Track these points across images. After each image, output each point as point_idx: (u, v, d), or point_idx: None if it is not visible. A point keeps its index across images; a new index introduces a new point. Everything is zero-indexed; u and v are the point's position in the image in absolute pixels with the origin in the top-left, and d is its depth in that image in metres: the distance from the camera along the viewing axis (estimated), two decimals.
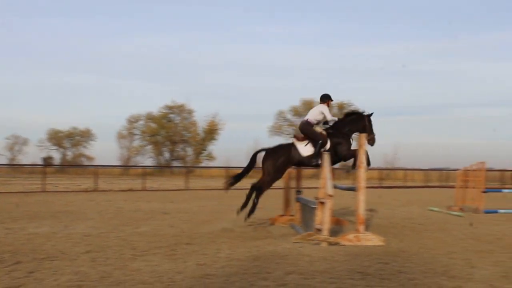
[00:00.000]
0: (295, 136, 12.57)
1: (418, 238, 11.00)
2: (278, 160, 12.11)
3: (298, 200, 13.20)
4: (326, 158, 10.85)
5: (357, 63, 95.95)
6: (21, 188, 30.46)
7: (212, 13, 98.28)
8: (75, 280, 6.71)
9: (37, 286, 6.40)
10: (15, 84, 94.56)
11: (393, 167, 57.59)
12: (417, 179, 48.90)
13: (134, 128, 69.68)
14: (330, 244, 9.81)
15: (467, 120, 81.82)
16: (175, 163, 67.48)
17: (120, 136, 70.70)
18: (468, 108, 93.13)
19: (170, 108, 68.53)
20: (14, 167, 59.84)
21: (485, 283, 6.82)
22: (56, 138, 73.82)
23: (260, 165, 12.40)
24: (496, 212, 16.95)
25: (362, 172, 10.34)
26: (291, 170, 13.89)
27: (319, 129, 12.36)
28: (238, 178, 12.49)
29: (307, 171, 31.43)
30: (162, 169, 61.64)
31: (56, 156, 74.28)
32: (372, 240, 10.07)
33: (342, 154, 12.18)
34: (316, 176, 21.38)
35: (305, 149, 12.19)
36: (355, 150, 11.60)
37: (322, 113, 12.39)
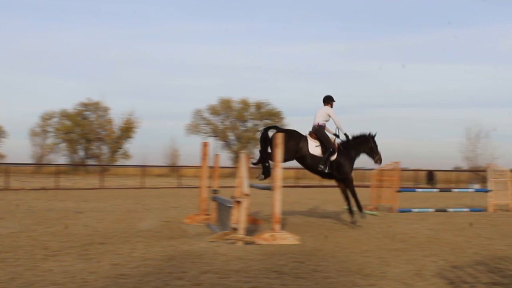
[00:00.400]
0: (309, 133, 12.82)
1: (333, 237, 11.17)
2: (288, 142, 11.91)
3: (214, 199, 13.21)
4: (243, 157, 10.93)
5: (275, 62, 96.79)
6: None
7: (128, 10, 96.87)
8: None
9: None
10: None
11: None
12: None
13: (47, 125, 67.77)
14: (246, 243, 9.87)
15: (383, 120, 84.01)
16: (90, 162, 66.13)
17: (33, 134, 68.67)
18: (383, 108, 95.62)
19: (85, 105, 67.01)
20: None
21: (398, 281, 7.00)
22: None
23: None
24: (409, 211, 17.45)
25: (278, 171, 10.46)
26: (207, 169, 13.89)
27: (332, 137, 12.88)
28: (265, 166, 12.18)
29: (223, 170, 31.46)
30: (76, 167, 60.29)
31: None
32: (287, 239, 10.19)
33: (339, 175, 12.98)
34: (233, 175, 21.46)
35: (315, 148, 12.58)
36: (351, 185, 12.99)
37: (328, 115, 12.87)
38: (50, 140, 68.10)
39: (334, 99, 13.12)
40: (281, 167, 10.54)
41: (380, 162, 13.61)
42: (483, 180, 30.52)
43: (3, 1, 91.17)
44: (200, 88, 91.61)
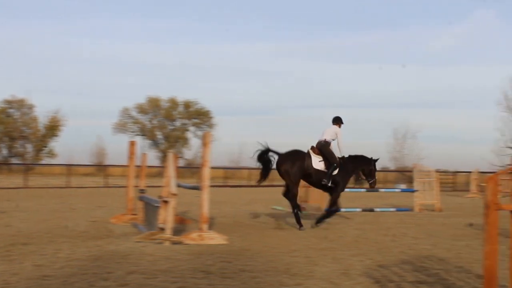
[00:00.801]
0: (312, 148, 13.34)
1: (262, 237, 11.27)
2: (294, 165, 12.89)
3: (141, 198, 13.13)
4: (171, 157, 10.91)
5: (204, 61, 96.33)
6: None
7: (56, 3, 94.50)
8: None
9: None
10: None
11: (238, 166, 58.51)
12: None
13: None
14: (173, 243, 9.87)
15: (310, 120, 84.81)
16: (13, 160, 64.33)
17: None
18: (310, 108, 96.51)
19: (9, 102, 65.09)
20: None
21: (325, 280, 7.09)
22: None
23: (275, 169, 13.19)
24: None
25: (206, 170, 10.49)
26: (134, 168, 13.80)
27: (336, 153, 13.42)
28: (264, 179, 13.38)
29: (151, 169, 31.18)
30: None
31: None
32: (215, 239, 10.24)
33: (333, 190, 13.44)
34: (160, 175, 21.35)
35: (318, 163, 13.16)
36: (337, 199, 13.46)
37: (336, 134, 13.54)
38: None
39: (343, 121, 13.82)
40: (209, 167, 10.57)
41: (374, 186, 14.36)
42: (410, 180, 31.29)
43: None
44: (128, 86, 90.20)
